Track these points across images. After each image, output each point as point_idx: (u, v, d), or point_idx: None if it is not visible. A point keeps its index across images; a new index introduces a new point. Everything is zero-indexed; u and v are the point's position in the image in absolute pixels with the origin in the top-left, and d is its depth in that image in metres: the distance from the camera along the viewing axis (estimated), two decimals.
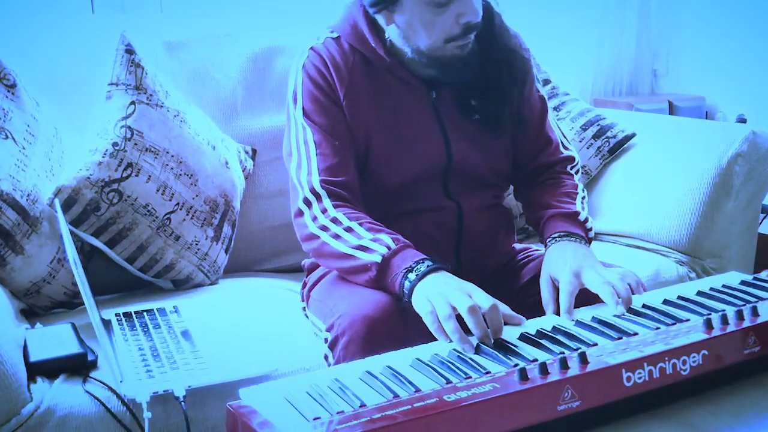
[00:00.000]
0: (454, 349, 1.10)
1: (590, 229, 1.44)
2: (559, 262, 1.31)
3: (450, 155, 1.45)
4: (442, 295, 1.16)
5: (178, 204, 1.65)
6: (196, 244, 1.68)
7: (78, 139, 1.67)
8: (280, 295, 1.73)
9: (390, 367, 1.03)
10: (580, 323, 1.18)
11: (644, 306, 1.21)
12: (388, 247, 1.29)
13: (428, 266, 1.24)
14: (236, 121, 1.95)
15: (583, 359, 0.99)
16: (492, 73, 1.43)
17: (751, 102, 2.43)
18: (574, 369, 0.98)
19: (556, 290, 1.29)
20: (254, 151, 1.93)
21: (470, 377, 0.99)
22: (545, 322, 1.19)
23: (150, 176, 1.61)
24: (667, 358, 1.02)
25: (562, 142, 1.56)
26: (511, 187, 1.63)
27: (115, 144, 1.59)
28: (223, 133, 1.86)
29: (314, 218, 1.37)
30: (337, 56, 1.42)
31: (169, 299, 1.61)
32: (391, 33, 1.39)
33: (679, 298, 1.24)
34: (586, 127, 2.07)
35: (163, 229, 1.63)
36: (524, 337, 1.13)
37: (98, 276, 1.66)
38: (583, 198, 1.49)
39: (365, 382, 1.01)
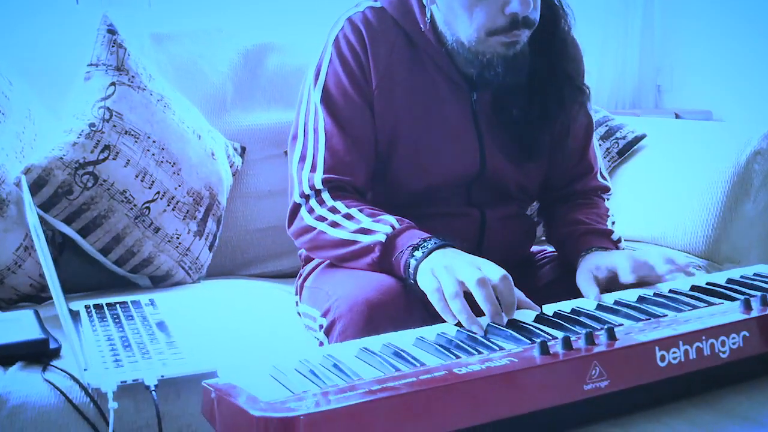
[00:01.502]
0: (463, 329, 0.98)
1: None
2: (604, 259, 1.19)
3: (483, 165, 1.31)
4: (448, 270, 1.04)
5: (158, 193, 1.53)
6: (177, 238, 1.55)
7: (54, 123, 1.56)
8: (268, 294, 1.61)
9: (390, 344, 0.91)
10: (601, 307, 1.06)
11: (671, 291, 1.10)
12: (392, 227, 1.17)
13: (436, 243, 1.12)
14: (225, 117, 1.85)
15: (611, 335, 0.87)
16: (537, 93, 1.28)
17: (760, 115, 2.35)
18: (602, 345, 0.85)
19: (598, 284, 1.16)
20: (243, 148, 1.82)
21: (482, 353, 0.87)
22: (563, 307, 1.07)
23: (129, 161, 1.49)
24: (704, 338, 0.90)
25: (601, 171, 1.43)
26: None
27: (92, 125, 1.48)
28: (211, 126, 1.76)
29: (311, 210, 1.25)
30: (378, 31, 1.24)
31: (146, 295, 1.48)
32: (434, 14, 1.24)
33: (709, 284, 1.13)
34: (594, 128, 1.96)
35: (142, 219, 1.51)
36: (541, 319, 1.01)
37: (69, 272, 1.54)
38: (613, 223, 1.37)
39: (362, 359, 0.89)
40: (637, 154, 1.94)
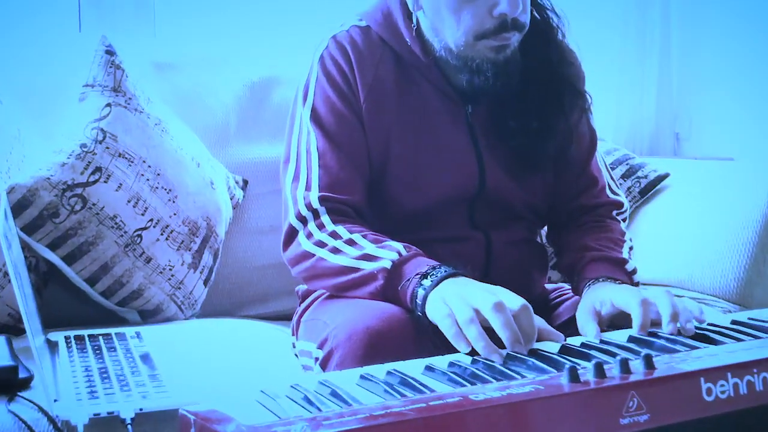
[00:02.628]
0: (478, 358, 0.87)
1: (638, 285, 1.21)
2: (611, 293, 1.07)
3: (483, 182, 1.22)
4: (461, 297, 0.94)
5: (151, 220, 1.43)
6: (170, 270, 1.45)
7: (44, 144, 1.47)
8: (266, 334, 1.50)
9: (396, 371, 0.80)
10: (634, 339, 0.94)
11: (711, 324, 0.99)
12: (399, 253, 1.07)
13: (447, 271, 1.02)
14: (227, 149, 1.77)
15: (649, 363, 0.76)
16: (535, 101, 1.21)
17: None
18: (639, 374, 0.74)
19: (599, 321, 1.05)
20: (245, 181, 1.74)
21: (502, 381, 0.76)
22: (590, 339, 0.96)
23: (121, 185, 1.40)
24: (756, 371, 0.78)
25: (609, 185, 1.34)
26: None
27: (83, 145, 1.39)
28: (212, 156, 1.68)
29: (309, 235, 1.15)
30: (363, 48, 1.20)
31: (133, 328, 1.37)
32: (421, 20, 1.19)
33: (751, 319, 1.01)
34: (614, 166, 1.87)
35: (132, 247, 1.41)
36: (566, 350, 0.90)
37: (54, 305, 1.43)
38: (631, 248, 1.26)
39: (364, 387, 0.78)
40: (660, 194, 1.84)
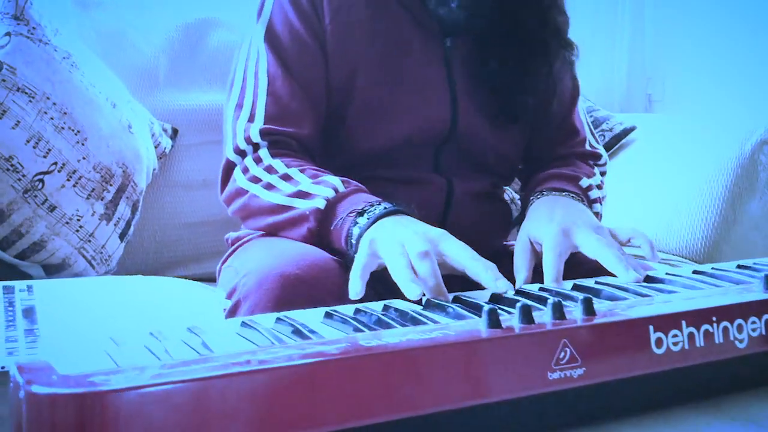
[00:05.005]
0: (391, 303, 0.73)
1: (594, 201, 1.09)
2: (543, 219, 0.96)
3: (455, 123, 1.09)
4: (396, 239, 0.82)
5: (55, 164, 1.28)
6: (78, 220, 1.30)
7: None
8: (189, 293, 1.34)
9: (287, 318, 0.66)
10: (578, 286, 0.81)
11: (669, 274, 0.86)
12: (335, 189, 0.94)
13: (386, 208, 0.89)
14: (155, 94, 1.63)
15: (589, 308, 0.63)
16: (520, 45, 1.09)
17: (763, 110, 2.12)
18: (576, 321, 0.61)
19: (536, 259, 0.93)
20: (175, 130, 1.59)
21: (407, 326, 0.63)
22: (528, 288, 0.83)
23: (19, 122, 1.25)
24: (715, 319, 0.66)
25: (589, 140, 1.22)
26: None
27: None
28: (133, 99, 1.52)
29: (245, 170, 1.02)
30: None
31: (26, 282, 1.22)
32: None
33: (715, 269, 0.89)
34: None
35: (33, 193, 1.25)
36: (497, 298, 0.77)
37: None
38: (599, 185, 1.14)
39: (244, 336, 0.64)
40: (626, 149, 1.71)
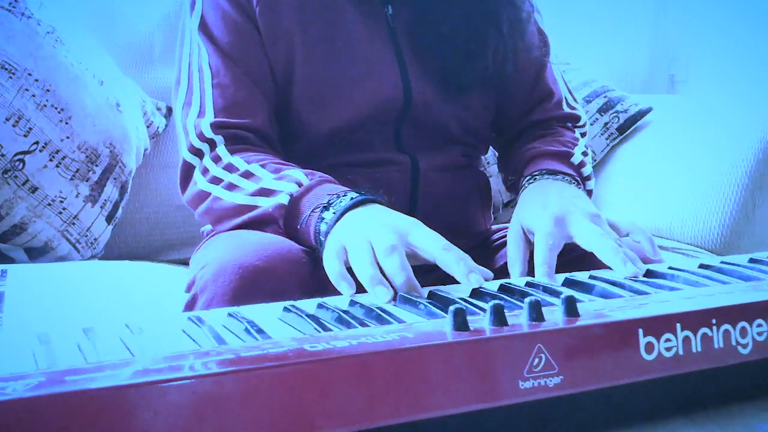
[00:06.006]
0: (362, 304, 0.67)
1: (588, 178, 1.03)
2: (536, 207, 0.89)
3: (409, 96, 1.03)
4: (362, 235, 0.75)
5: (37, 143, 1.23)
6: (62, 202, 1.25)
7: None
8: (173, 278, 1.31)
9: (237, 314, 0.61)
10: (570, 281, 0.75)
11: (671, 269, 0.79)
12: (299, 183, 0.89)
13: (353, 199, 0.83)
14: (150, 71, 1.57)
15: (571, 309, 0.56)
16: (468, 10, 1.03)
17: None
18: (555, 322, 0.55)
19: (531, 249, 0.87)
20: (169, 109, 1.53)
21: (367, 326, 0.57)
22: (515, 282, 0.76)
23: None
24: (714, 321, 0.59)
25: (566, 99, 1.15)
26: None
27: None
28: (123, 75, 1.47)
29: (204, 170, 0.97)
30: None
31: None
32: None
33: (724, 263, 0.81)
34: (590, 99, 1.66)
35: (13, 173, 1.21)
36: (479, 293, 0.71)
37: None
38: (584, 152, 1.08)
39: (188, 333, 0.58)
40: (641, 132, 1.63)
